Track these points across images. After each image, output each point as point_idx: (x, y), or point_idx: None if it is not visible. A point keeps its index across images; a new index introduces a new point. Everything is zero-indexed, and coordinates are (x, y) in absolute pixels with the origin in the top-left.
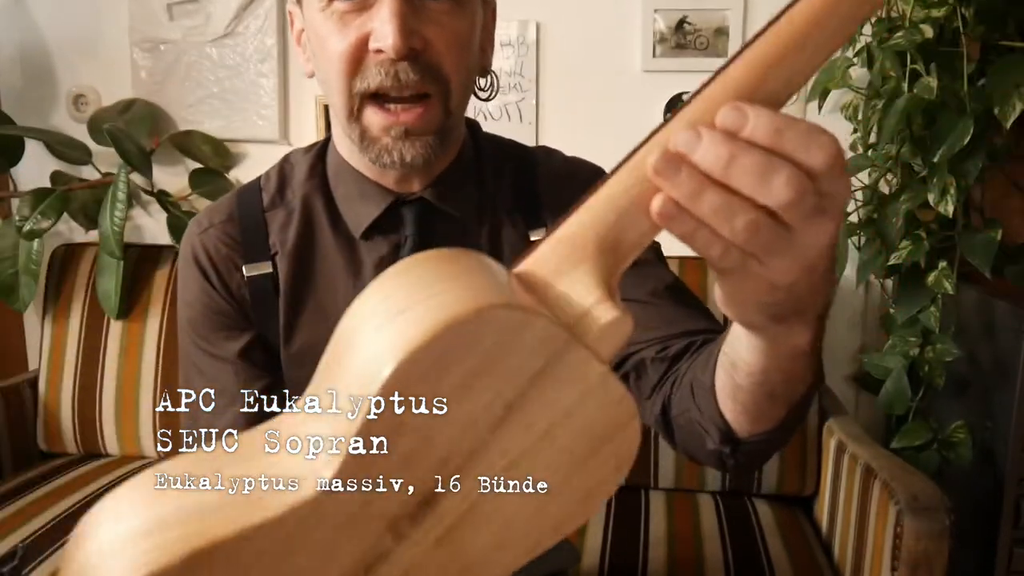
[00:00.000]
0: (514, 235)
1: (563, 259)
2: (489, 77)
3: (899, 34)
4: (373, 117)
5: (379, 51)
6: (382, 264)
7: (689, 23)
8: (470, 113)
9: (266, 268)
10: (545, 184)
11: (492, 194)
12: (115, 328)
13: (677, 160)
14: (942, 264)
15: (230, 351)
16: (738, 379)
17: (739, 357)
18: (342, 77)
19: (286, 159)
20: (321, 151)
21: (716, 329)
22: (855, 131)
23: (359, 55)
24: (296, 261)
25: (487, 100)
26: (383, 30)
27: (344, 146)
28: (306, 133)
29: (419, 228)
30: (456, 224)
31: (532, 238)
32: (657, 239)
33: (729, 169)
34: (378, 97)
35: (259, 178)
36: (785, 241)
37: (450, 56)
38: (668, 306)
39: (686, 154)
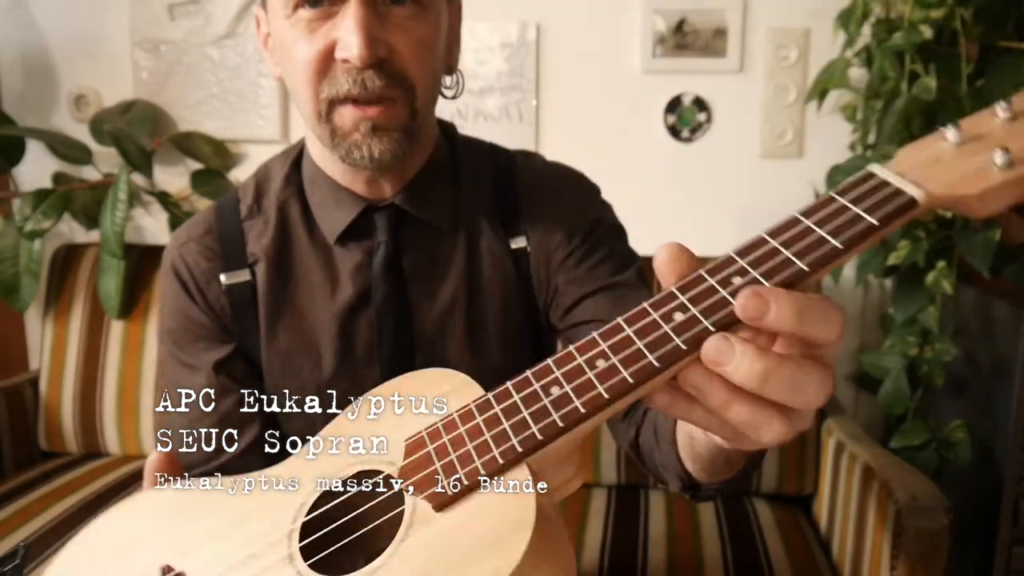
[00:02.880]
0: (494, 243)
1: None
2: (456, 75)
3: (898, 35)
4: (343, 113)
5: (345, 60)
6: (358, 270)
7: (689, 24)
8: (468, 113)
9: (244, 276)
10: (525, 190)
11: (469, 198)
12: (116, 328)
13: (708, 373)
14: (941, 264)
15: (205, 362)
16: (697, 449)
17: (697, 439)
18: (310, 84)
19: (263, 167)
20: (296, 159)
21: None
22: (854, 131)
23: (326, 63)
24: (274, 268)
25: (453, 99)
26: (348, 40)
27: (316, 151)
28: None
29: (392, 234)
30: (431, 229)
31: (512, 246)
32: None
33: (765, 384)
34: (346, 99)
35: (237, 188)
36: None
37: (415, 61)
38: None
39: (718, 364)
